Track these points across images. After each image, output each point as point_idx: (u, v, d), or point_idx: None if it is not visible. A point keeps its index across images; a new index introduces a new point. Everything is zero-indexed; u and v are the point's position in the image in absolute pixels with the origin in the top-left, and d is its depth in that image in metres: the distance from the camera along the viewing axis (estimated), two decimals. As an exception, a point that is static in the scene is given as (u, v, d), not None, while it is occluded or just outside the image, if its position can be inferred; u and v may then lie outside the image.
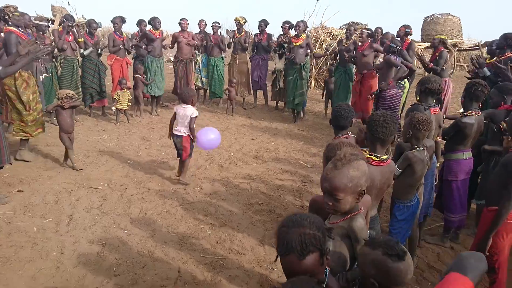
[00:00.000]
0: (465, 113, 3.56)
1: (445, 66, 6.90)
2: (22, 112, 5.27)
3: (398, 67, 6.13)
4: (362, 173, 1.77)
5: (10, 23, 5.30)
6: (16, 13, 5.30)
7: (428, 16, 16.00)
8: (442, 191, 3.81)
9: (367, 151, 2.48)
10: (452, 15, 15.57)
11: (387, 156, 2.48)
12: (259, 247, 3.65)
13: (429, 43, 7.62)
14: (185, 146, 4.79)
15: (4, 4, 5.34)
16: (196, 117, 4.77)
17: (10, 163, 4.50)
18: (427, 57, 8.30)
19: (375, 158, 2.42)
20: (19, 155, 5.41)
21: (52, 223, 3.87)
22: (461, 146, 3.59)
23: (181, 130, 4.76)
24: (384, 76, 6.39)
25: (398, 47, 6.13)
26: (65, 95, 5.14)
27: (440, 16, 15.64)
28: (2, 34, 5.70)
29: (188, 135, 4.79)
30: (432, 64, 6.65)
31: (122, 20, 8.09)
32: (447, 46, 12.21)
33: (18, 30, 5.24)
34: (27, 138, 5.46)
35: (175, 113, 4.81)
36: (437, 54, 6.77)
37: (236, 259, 3.45)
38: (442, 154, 3.82)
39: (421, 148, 2.93)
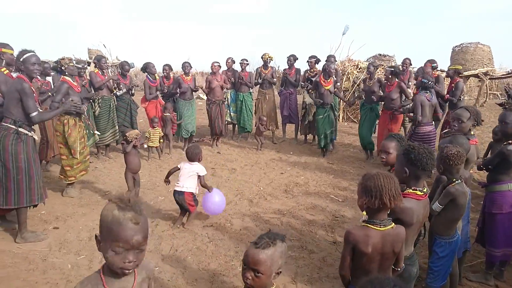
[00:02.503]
0: (509, 141, 3.44)
1: (462, 97, 6.83)
2: (69, 156, 5.57)
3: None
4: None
5: (66, 73, 5.68)
6: (70, 64, 5.71)
7: (456, 46, 15.83)
8: (484, 225, 3.64)
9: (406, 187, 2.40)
10: (481, 44, 15.35)
11: (426, 189, 2.42)
12: (292, 285, 3.55)
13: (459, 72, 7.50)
14: (188, 202, 4.69)
15: (61, 57, 5.85)
16: (204, 175, 4.71)
17: (44, 203, 4.61)
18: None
19: (419, 193, 2.35)
20: (65, 192, 5.74)
21: (86, 260, 3.92)
22: (505, 176, 3.43)
23: (184, 185, 4.66)
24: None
25: (431, 82, 6.01)
26: (136, 135, 5.36)
27: (469, 45, 15.43)
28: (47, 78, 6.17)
29: (191, 192, 4.68)
30: (448, 95, 6.61)
31: (154, 66, 8.36)
32: (478, 75, 12.07)
33: (71, 81, 5.57)
34: (72, 182, 5.73)
35: (176, 166, 4.77)
36: (453, 85, 6.77)
37: (268, 298, 3.36)
38: (483, 186, 3.68)
39: (459, 180, 2.83)
